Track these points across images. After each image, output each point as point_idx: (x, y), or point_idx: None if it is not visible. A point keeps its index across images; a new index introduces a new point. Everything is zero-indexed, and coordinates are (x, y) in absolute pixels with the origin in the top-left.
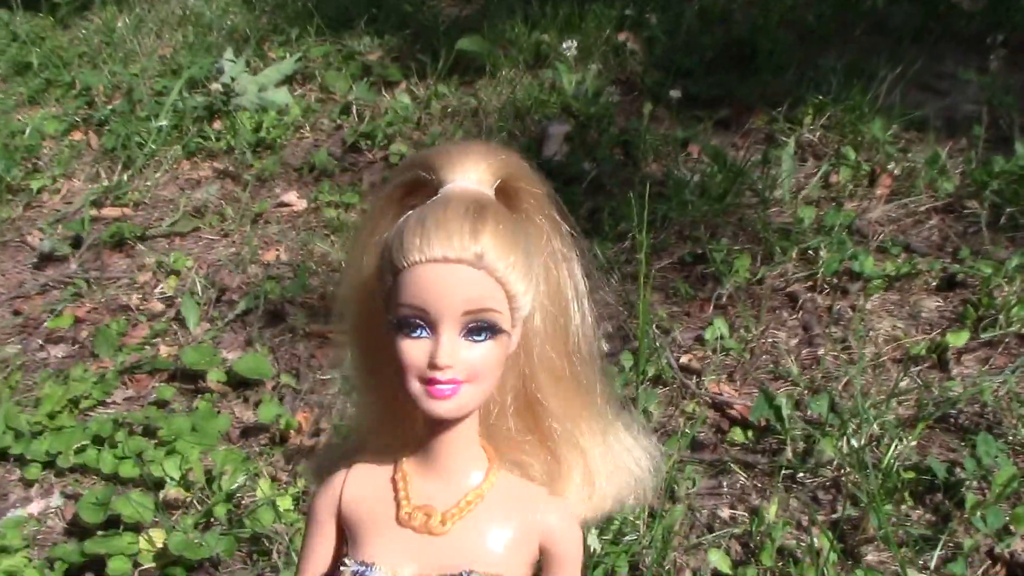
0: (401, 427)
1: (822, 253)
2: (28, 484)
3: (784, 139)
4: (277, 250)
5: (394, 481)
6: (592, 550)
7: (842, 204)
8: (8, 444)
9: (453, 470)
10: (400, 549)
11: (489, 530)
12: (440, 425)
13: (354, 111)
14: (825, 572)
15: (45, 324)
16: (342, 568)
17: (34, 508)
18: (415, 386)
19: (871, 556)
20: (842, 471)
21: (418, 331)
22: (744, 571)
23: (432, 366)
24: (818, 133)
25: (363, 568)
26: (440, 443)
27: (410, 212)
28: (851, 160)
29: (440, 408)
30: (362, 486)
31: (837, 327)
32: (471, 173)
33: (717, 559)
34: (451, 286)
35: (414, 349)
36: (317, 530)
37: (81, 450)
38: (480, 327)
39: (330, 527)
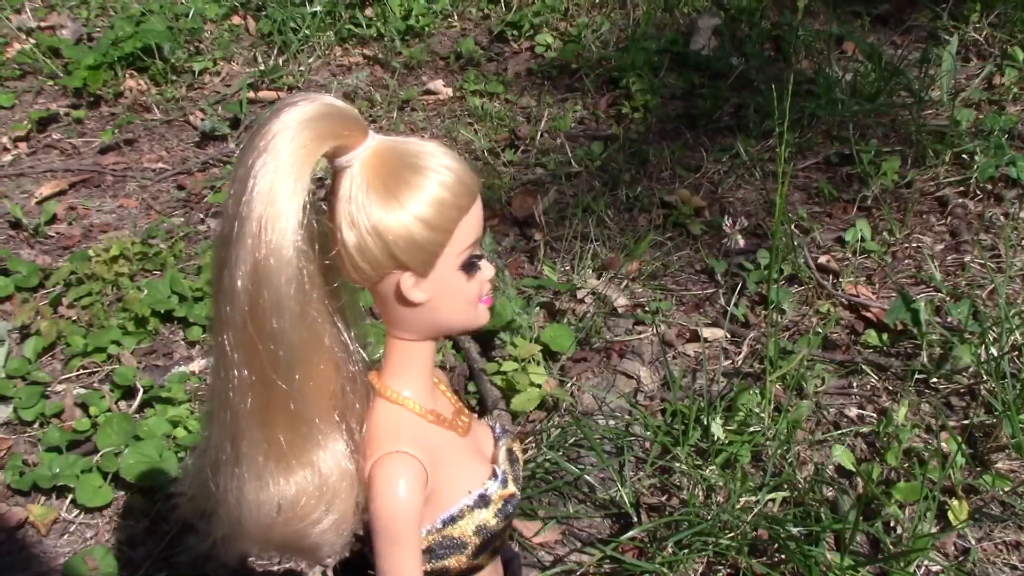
0: (341, 397)
1: (978, 158)
2: (191, 344)
3: (947, 37)
4: (423, 136)
5: (437, 420)
6: (715, 438)
7: (1004, 107)
8: (173, 307)
9: (434, 383)
10: (473, 456)
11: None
12: (433, 353)
13: (502, 0)
14: (951, 475)
15: (206, 199)
16: (464, 502)
17: (195, 366)
18: (479, 309)
19: (1001, 464)
20: (978, 379)
21: (477, 260)
22: (868, 468)
23: (489, 280)
24: (984, 31)
25: (483, 488)
26: (431, 367)
27: (409, 174)
28: (1019, 61)
29: (488, 314)
30: (428, 451)
31: (987, 234)
32: (364, 126)
33: (841, 455)
34: (481, 211)
35: (478, 277)
36: (416, 526)
37: None
38: None
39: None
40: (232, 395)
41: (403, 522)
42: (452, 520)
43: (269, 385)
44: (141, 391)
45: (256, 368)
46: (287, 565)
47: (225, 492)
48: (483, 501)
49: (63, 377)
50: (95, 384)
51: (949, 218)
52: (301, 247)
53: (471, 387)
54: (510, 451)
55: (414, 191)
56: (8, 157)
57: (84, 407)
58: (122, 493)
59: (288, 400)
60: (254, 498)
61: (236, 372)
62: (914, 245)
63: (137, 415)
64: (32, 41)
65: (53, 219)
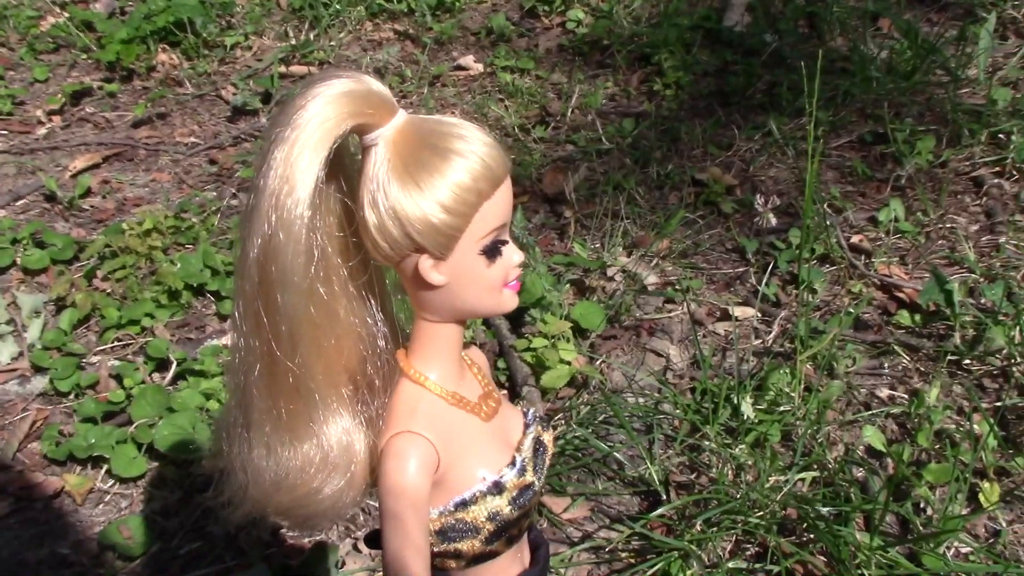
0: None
1: (1014, 137)
2: (222, 318)
3: (984, 14)
4: (453, 113)
5: (459, 404)
6: (745, 417)
7: None
8: (206, 280)
9: (463, 365)
10: (495, 441)
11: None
12: (460, 336)
13: None
14: (983, 457)
15: (238, 173)
16: (477, 487)
17: (228, 340)
18: (503, 294)
19: None
20: (1011, 360)
21: (501, 246)
22: (898, 449)
23: (518, 266)
24: (1023, 9)
25: (499, 475)
26: (458, 349)
27: (429, 156)
28: None
29: (516, 300)
30: (443, 433)
31: (1023, 215)
32: (392, 105)
33: (871, 435)
34: (509, 196)
35: (503, 262)
36: (423, 506)
37: None
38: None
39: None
40: (241, 364)
41: (409, 501)
42: (464, 504)
43: (274, 357)
44: (174, 364)
45: (263, 339)
46: (318, 537)
47: (234, 456)
48: (497, 488)
49: (98, 349)
50: (129, 356)
51: (984, 199)
52: (313, 223)
53: (501, 364)
54: (538, 440)
55: (432, 173)
56: (43, 130)
57: (119, 379)
58: (156, 464)
59: (290, 373)
60: (259, 464)
61: (244, 341)
62: (948, 226)
63: (171, 387)
64: (66, 15)
65: (87, 192)
